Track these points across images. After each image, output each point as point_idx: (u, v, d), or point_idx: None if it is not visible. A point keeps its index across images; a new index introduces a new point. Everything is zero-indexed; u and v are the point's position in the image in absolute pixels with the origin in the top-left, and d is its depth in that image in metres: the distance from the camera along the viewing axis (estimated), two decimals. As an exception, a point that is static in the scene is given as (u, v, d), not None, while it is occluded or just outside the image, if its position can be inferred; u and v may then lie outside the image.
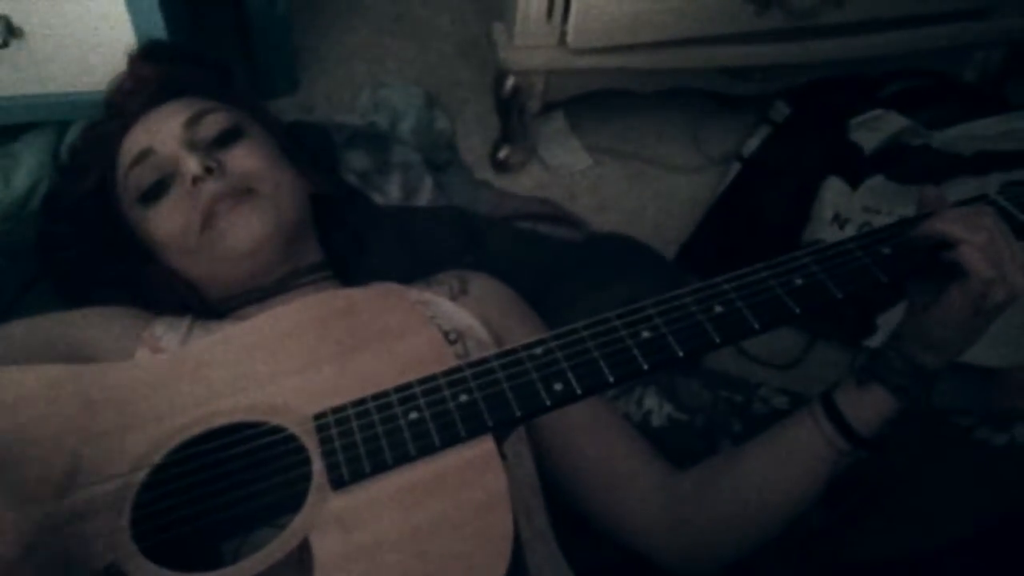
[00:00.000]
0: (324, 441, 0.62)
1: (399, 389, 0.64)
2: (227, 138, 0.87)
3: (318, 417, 0.64)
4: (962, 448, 0.95)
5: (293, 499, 0.61)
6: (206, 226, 0.83)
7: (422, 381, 0.64)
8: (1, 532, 0.55)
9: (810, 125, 1.31)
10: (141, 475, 0.63)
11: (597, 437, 0.84)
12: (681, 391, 1.02)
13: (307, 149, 1.10)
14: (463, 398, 0.63)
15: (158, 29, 1.03)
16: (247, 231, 0.82)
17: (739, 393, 1.04)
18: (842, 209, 1.23)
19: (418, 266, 0.96)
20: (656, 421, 1.00)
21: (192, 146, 0.85)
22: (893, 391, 0.74)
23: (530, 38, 1.14)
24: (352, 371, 0.67)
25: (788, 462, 0.77)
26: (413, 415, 0.62)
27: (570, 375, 0.63)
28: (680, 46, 1.16)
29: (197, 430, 0.65)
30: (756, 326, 0.65)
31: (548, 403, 0.63)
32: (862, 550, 0.91)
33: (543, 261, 1.11)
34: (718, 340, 0.65)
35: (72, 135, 1.07)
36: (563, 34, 1.12)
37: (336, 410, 0.64)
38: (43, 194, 1.05)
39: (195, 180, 0.83)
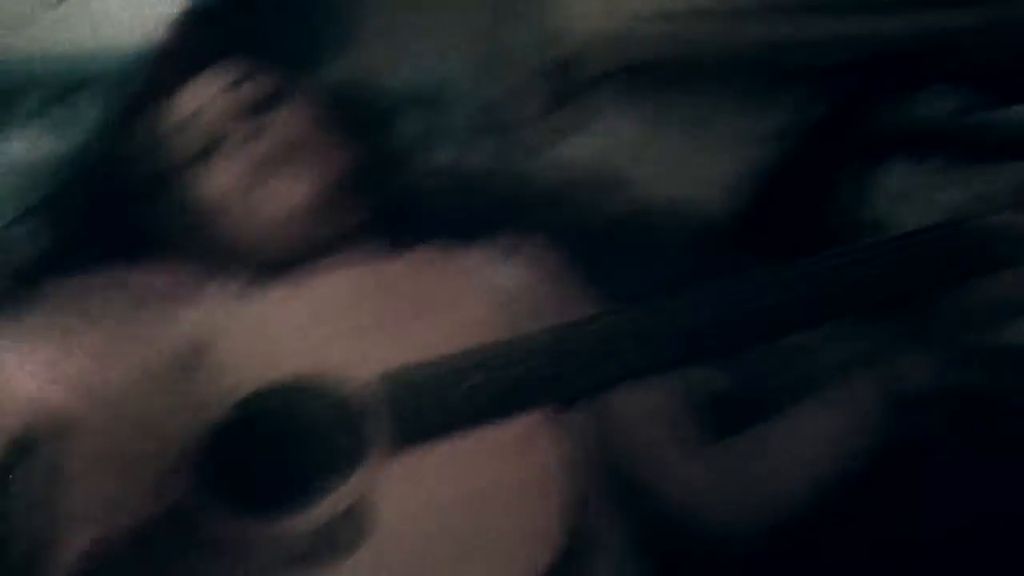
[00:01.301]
0: (381, 405, 0.63)
1: (455, 357, 0.64)
2: (271, 102, 0.88)
3: (374, 381, 0.64)
4: None
5: (354, 457, 0.62)
6: (251, 191, 0.84)
7: (479, 350, 0.64)
8: None
9: (870, 100, 1.28)
10: (205, 429, 0.64)
11: None
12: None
13: (354, 112, 1.11)
14: (519, 369, 0.63)
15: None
16: (290, 196, 0.84)
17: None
18: (904, 187, 1.20)
19: (469, 229, 0.95)
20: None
21: (236, 111, 0.87)
22: None
23: (585, 3, 1.12)
24: (409, 337, 0.68)
25: None
26: (470, 383, 0.63)
27: (629, 355, 0.63)
28: (736, 16, 1.14)
29: (255, 389, 0.66)
30: None
31: (607, 382, 0.64)
32: None
33: (593, 229, 1.11)
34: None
35: (125, 95, 1.09)
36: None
37: (393, 375, 0.64)
38: (97, 151, 1.07)
39: (240, 144, 0.83)
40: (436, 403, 0.62)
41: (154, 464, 0.60)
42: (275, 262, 0.87)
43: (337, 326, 0.69)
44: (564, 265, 0.91)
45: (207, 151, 0.87)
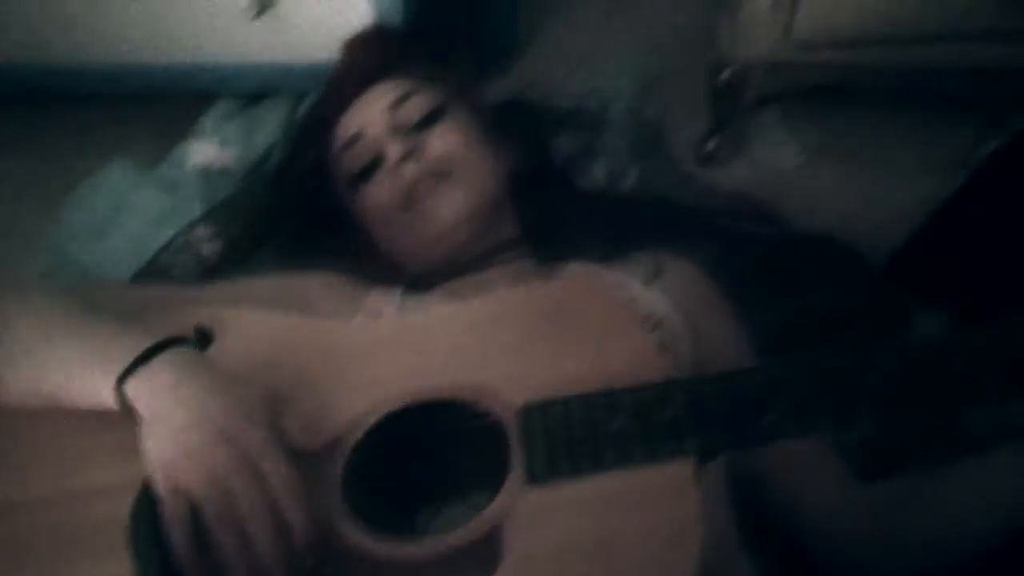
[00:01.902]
0: (527, 433, 0.63)
1: (607, 395, 0.63)
2: (430, 119, 0.92)
3: (525, 408, 0.64)
4: None
5: (490, 482, 0.62)
6: (408, 206, 0.88)
7: (631, 390, 0.63)
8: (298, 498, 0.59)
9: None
10: (357, 436, 0.66)
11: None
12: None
13: (515, 127, 1.13)
14: (670, 414, 0.61)
15: (396, 7, 1.09)
16: (444, 212, 0.87)
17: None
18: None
19: (616, 251, 0.96)
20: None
21: (395, 130, 0.90)
22: None
23: (754, 28, 1.11)
24: (562, 365, 0.66)
25: None
26: (618, 423, 0.61)
27: (786, 413, 0.60)
28: (912, 43, 1.10)
29: (409, 400, 0.67)
30: None
31: (758, 438, 0.60)
32: None
33: (743, 259, 1.09)
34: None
35: (304, 108, 1.15)
36: (788, 25, 1.09)
37: (543, 405, 0.63)
38: (276, 159, 1.13)
39: (397, 163, 0.87)
40: (583, 440, 0.61)
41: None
42: (429, 273, 0.90)
43: (490, 345, 0.68)
44: (707, 286, 0.89)
45: (368, 170, 0.90)
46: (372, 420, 0.66)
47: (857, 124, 1.30)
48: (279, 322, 0.74)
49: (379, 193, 0.90)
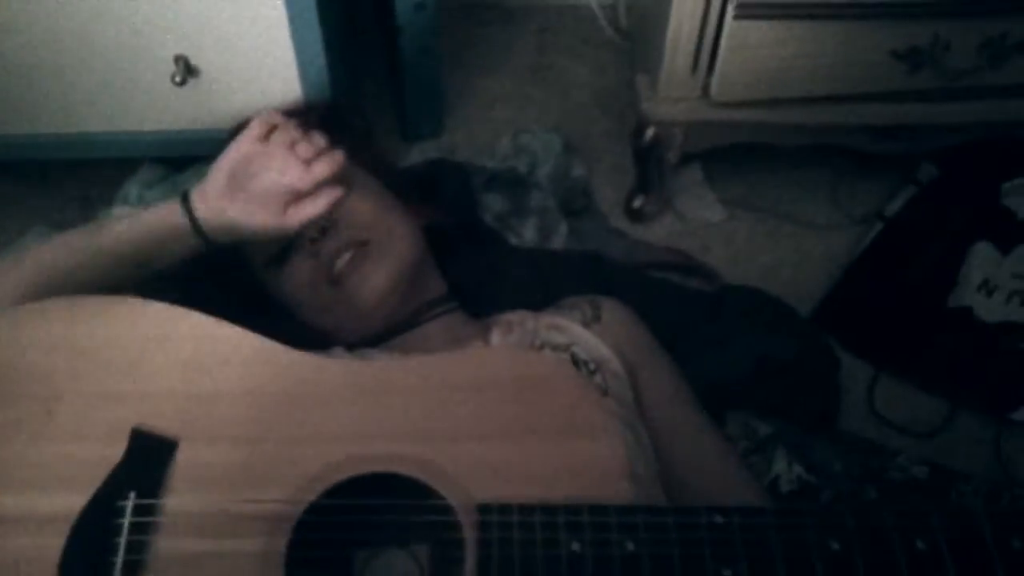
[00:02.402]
0: (482, 536, 0.62)
1: (569, 511, 0.62)
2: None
3: (483, 509, 0.63)
4: None
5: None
6: (333, 285, 0.86)
7: (593, 510, 0.62)
8: None
9: (959, 187, 1.27)
10: (306, 504, 0.64)
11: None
12: (813, 451, 1.00)
13: (442, 185, 1.14)
14: (629, 547, 0.60)
15: (322, 75, 1.10)
16: (372, 285, 0.85)
17: (875, 459, 1.00)
18: (991, 275, 1.18)
19: (549, 300, 0.96)
20: (785, 487, 0.98)
21: None
22: None
23: (673, 89, 1.15)
24: (527, 458, 0.65)
25: None
26: (575, 546, 0.60)
27: (743, 564, 0.59)
28: (825, 102, 1.15)
29: (366, 468, 0.66)
30: None
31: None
32: None
33: (673, 310, 1.11)
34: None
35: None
36: (707, 87, 1.13)
37: (502, 509, 0.62)
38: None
39: (312, 241, 0.86)
40: (534, 558, 0.60)
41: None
42: (359, 341, 0.88)
43: (457, 421, 0.66)
44: (640, 329, 0.90)
45: (284, 252, 0.87)
46: (320, 488, 0.65)
47: (776, 179, 1.35)
48: (251, 342, 0.74)
49: (301, 273, 0.88)
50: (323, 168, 0.77)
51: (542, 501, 0.63)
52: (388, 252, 0.87)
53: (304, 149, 0.77)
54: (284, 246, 0.88)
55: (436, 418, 0.68)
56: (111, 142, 1.18)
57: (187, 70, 1.09)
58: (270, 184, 0.77)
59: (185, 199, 0.80)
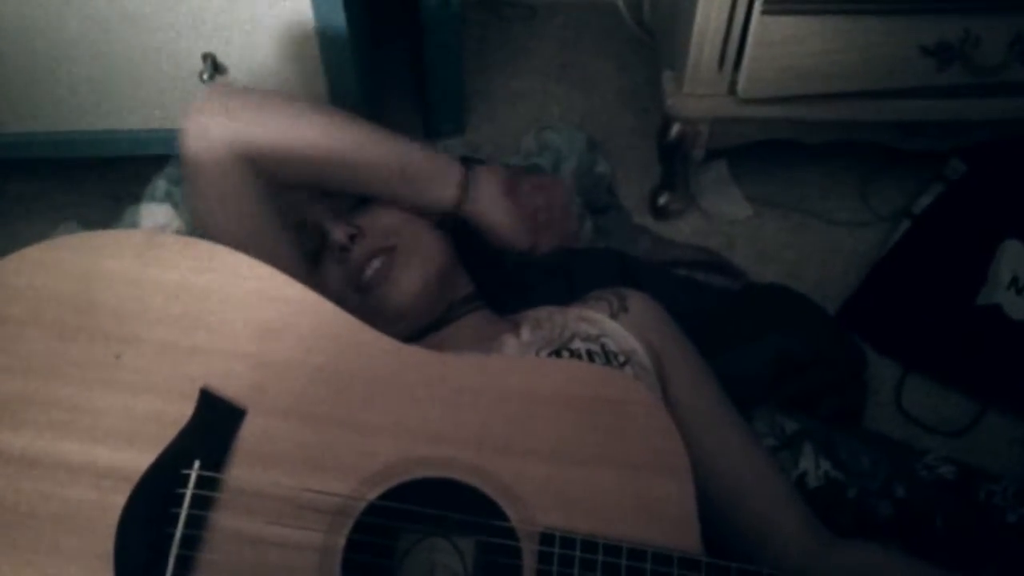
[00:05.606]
0: (542, 563, 0.62)
1: (631, 555, 0.61)
2: (364, 198, 0.90)
3: (545, 536, 0.63)
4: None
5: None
6: (362, 293, 0.86)
7: (656, 559, 0.62)
8: None
9: (988, 184, 1.26)
10: (367, 502, 0.64)
11: (754, 489, 0.82)
12: (840, 447, 0.99)
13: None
14: None
15: (347, 73, 1.11)
16: (402, 290, 0.85)
17: (902, 457, 1.00)
18: (1021, 273, 1.16)
19: (574, 296, 0.95)
20: (812, 483, 0.97)
21: (335, 215, 0.89)
22: None
23: (699, 86, 1.14)
24: (596, 487, 0.64)
25: None
26: None
27: None
28: (853, 98, 1.14)
29: (433, 473, 0.65)
30: None
31: None
32: None
33: (698, 308, 1.10)
34: None
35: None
36: (733, 83, 1.12)
37: (565, 540, 0.62)
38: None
39: (342, 249, 0.86)
40: None
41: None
42: (400, 338, 0.89)
43: (531, 436, 0.65)
44: (666, 321, 0.90)
45: (319, 253, 0.88)
46: (382, 488, 0.64)
47: (802, 176, 1.34)
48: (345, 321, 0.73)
49: (330, 278, 0.88)
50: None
51: (604, 535, 0.62)
52: (416, 257, 0.87)
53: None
54: (316, 248, 0.89)
55: (512, 430, 0.66)
56: (140, 139, 1.19)
57: (214, 67, 1.10)
58: (543, 218, 0.96)
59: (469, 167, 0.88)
